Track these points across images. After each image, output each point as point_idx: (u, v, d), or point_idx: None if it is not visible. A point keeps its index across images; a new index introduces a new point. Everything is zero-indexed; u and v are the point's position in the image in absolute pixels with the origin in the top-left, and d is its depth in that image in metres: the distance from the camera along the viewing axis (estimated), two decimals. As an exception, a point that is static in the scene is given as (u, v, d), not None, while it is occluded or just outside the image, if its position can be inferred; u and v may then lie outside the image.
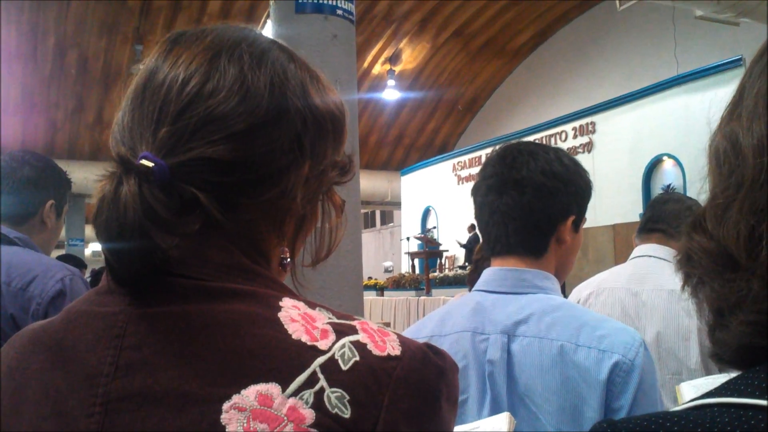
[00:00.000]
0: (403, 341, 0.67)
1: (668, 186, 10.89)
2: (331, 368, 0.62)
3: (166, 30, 15.63)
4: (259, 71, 0.72)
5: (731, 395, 0.50)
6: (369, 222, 25.94)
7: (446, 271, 14.40)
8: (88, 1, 14.54)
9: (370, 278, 15.69)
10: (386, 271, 19.25)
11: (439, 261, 14.90)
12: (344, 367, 0.62)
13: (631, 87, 12.60)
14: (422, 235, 14.66)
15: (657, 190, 11.22)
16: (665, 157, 11.23)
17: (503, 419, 1.16)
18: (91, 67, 16.52)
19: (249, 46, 0.74)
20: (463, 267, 13.78)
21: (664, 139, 11.00)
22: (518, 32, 18.28)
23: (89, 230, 19.98)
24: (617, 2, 11.25)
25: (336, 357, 0.63)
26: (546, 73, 18.31)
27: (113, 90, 17.18)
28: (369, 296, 13.21)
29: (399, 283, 14.34)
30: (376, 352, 0.64)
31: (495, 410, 1.31)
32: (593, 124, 12.91)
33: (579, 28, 17.54)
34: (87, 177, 16.65)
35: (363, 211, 23.13)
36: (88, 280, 4.78)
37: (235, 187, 0.70)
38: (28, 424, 0.66)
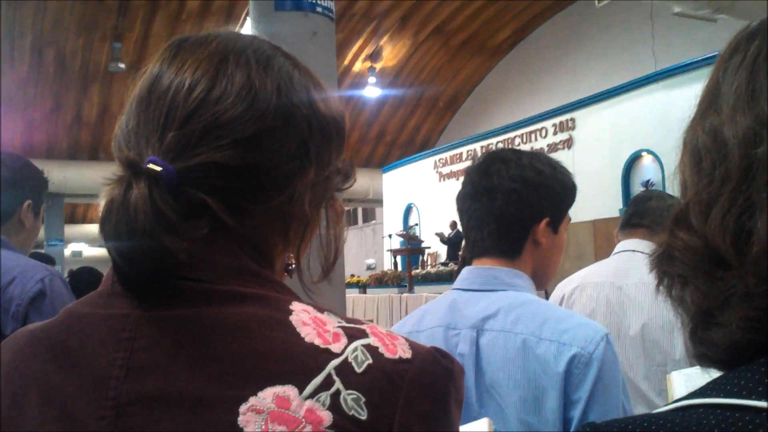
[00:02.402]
0: (412, 345, 0.68)
1: (647, 182, 10.96)
2: (345, 371, 0.63)
3: (144, 28, 15.55)
4: (266, 77, 0.73)
5: (717, 395, 0.49)
6: (351, 219, 25.92)
7: (428, 267, 14.41)
8: (66, 0, 14.40)
9: (352, 276, 15.68)
10: (369, 268, 19.26)
11: (421, 258, 14.91)
12: (358, 370, 0.63)
13: (610, 83, 12.67)
14: (404, 233, 14.68)
15: (636, 186, 11.30)
16: (644, 153, 11.31)
17: (483, 424, 1.19)
18: (69, 66, 16.37)
19: (255, 52, 0.75)
20: (445, 264, 13.80)
21: (643, 135, 11.07)
22: (498, 29, 18.33)
23: (69, 230, 19.83)
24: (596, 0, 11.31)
25: (349, 360, 0.64)
26: (526, 70, 18.37)
27: (92, 89, 17.04)
28: (351, 294, 13.20)
29: (381, 281, 14.35)
30: (387, 355, 0.65)
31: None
32: (573, 120, 12.97)
33: (558, 25, 17.62)
34: (65, 176, 16.54)
35: (345, 208, 23.05)
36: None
37: (242, 192, 0.70)
38: (33, 428, 0.65)
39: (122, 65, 15.46)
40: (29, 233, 2.17)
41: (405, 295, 11.89)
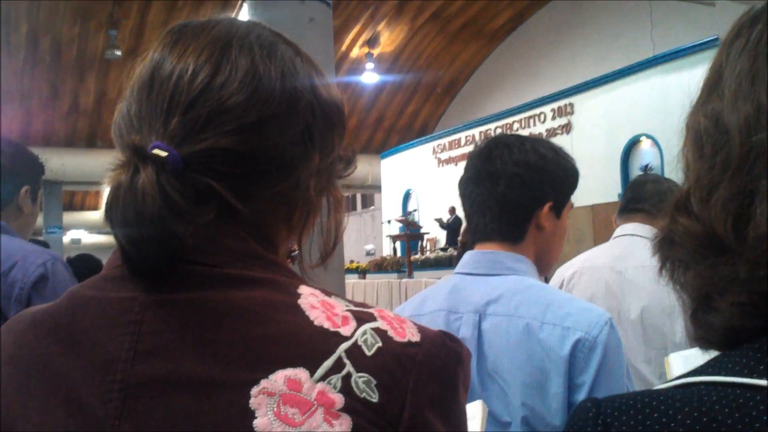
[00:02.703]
0: (421, 328, 0.68)
1: (646, 166, 10.96)
2: (355, 354, 0.63)
3: (140, 15, 15.48)
4: (270, 63, 0.73)
5: (718, 374, 0.50)
6: (350, 205, 25.92)
7: (428, 253, 14.43)
8: (61, -13, 14.33)
9: (351, 262, 15.69)
10: (368, 254, 19.28)
11: (420, 243, 14.92)
12: (368, 353, 0.63)
13: (608, 68, 12.64)
14: (403, 218, 14.68)
15: (635, 170, 11.30)
16: (643, 137, 11.30)
17: (476, 406, 1.19)
18: (65, 54, 16.30)
19: (257, 39, 0.75)
20: (444, 249, 13.81)
21: (642, 120, 11.05)
22: (496, 14, 18.24)
23: (67, 218, 19.81)
24: (594, -17, 11.26)
25: (359, 343, 0.64)
26: (524, 55, 18.31)
27: (88, 76, 16.97)
28: (351, 279, 13.22)
29: (381, 266, 14.37)
30: (397, 338, 0.65)
31: None
32: (571, 105, 12.95)
33: (556, 9, 17.54)
34: (64, 164, 16.51)
35: (344, 194, 23.04)
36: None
37: (247, 177, 0.70)
38: (37, 411, 0.65)
39: (118, 53, 15.39)
40: (28, 219, 2.17)
41: (404, 280, 11.91)
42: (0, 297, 1.86)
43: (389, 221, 15.30)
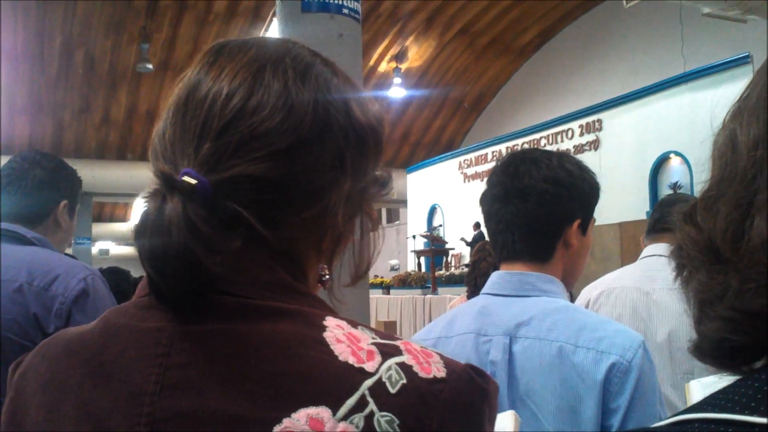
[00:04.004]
0: (447, 362, 0.67)
1: (675, 184, 10.86)
2: (379, 391, 0.62)
3: (172, 29, 15.69)
4: (303, 87, 0.71)
5: (712, 410, 0.49)
6: (375, 220, 25.90)
7: (452, 269, 14.37)
8: (95, 1, 14.56)
9: (376, 276, 15.68)
10: (392, 269, 19.25)
11: (445, 259, 14.88)
12: (392, 390, 0.62)
13: (637, 84, 12.55)
14: (428, 233, 14.66)
15: (664, 188, 11.19)
16: (672, 155, 11.19)
17: (508, 417, 1.17)
18: (98, 67, 16.56)
19: (293, 60, 0.74)
20: (467, 264, 13.75)
21: (671, 137, 10.95)
22: (524, 30, 18.23)
23: (96, 229, 20.05)
24: (624, 0, 11.21)
25: (383, 380, 0.63)
26: (552, 71, 18.25)
27: (120, 89, 17.22)
28: (375, 295, 13.19)
29: (405, 282, 14.33)
30: (422, 374, 0.64)
31: None
32: (600, 121, 12.87)
33: (585, 25, 17.48)
34: (94, 176, 16.73)
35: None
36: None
37: (276, 204, 0.69)
38: None
39: (150, 66, 15.60)
40: (65, 233, 2.19)
41: (429, 296, 11.87)
42: (40, 310, 1.88)
43: (414, 236, 15.27)
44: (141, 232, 0.64)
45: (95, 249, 23.41)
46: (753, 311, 0.49)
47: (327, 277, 0.80)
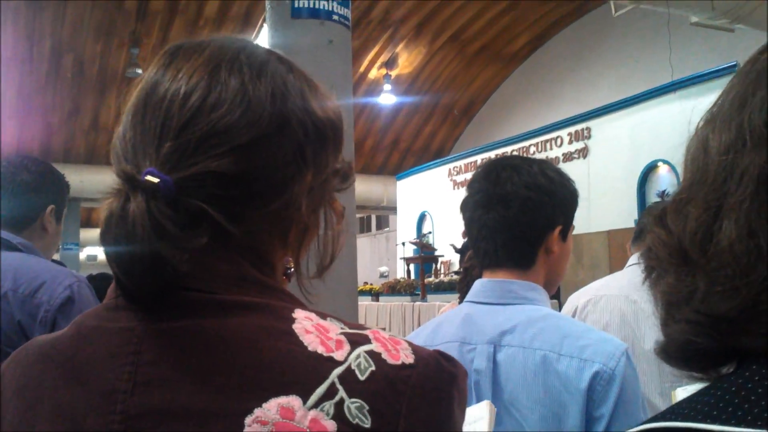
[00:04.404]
0: (415, 349, 0.68)
1: (663, 192, 10.88)
2: (348, 379, 0.63)
3: (162, 33, 15.66)
4: (259, 83, 0.73)
5: (676, 419, 0.49)
6: (364, 227, 25.92)
7: (442, 276, 14.36)
8: (85, 5, 14.52)
9: (365, 283, 15.66)
10: (382, 276, 19.22)
11: (434, 266, 14.87)
12: (361, 377, 0.63)
13: (626, 92, 12.61)
14: (418, 240, 14.65)
15: (652, 196, 11.22)
16: (660, 163, 11.23)
17: (483, 407, 1.18)
18: (87, 71, 16.49)
19: (248, 58, 0.75)
20: (458, 272, 13.74)
21: (660, 145, 11.00)
22: (514, 37, 18.29)
23: (84, 234, 19.92)
24: (612, 8, 11.27)
25: (353, 367, 0.64)
26: (542, 79, 18.32)
27: (109, 94, 17.15)
28: (364, 302, 13.18)
29: (394, 289, 14.32)
30: (390, 361, 0.65)
31: None
32: (588, 129, 12.92)
33: (575, 33, 17.56)
34: (83, 180, 16.63)
35: (358, 215, 23.10)
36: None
37: (240, 199, 0.70)
38: None
39: (140, 71, 15.52)
40: (51, 238, 2.17)
41: (418, 303, 11.86)
42: (24, 318, 1.86)
43: (404, 243, 15.27)
44: (106, 232, 0.65)
45: (83, 254, 23.28)
46: (719, 314, 0.50)
47: (292, 270, 0.81)
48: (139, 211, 0.63)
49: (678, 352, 0.54)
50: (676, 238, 0.54)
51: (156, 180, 0.65)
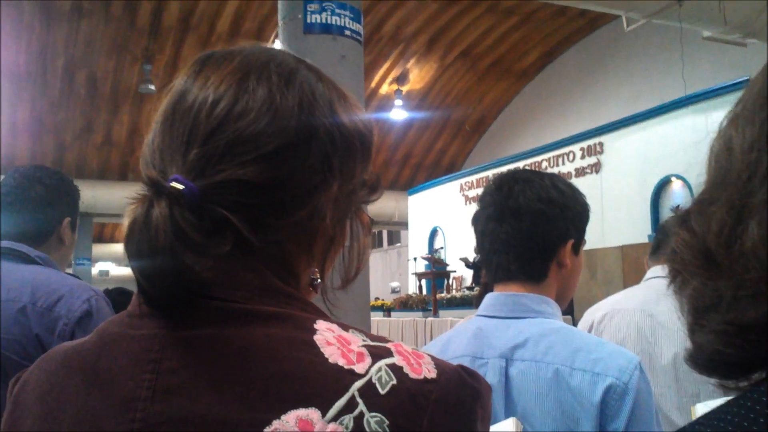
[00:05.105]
0: (438, 363, 0.67)
1: (677, 207, 10.83)
2: (369, 392, 0.62)
3: (175, 50, 15.80)
4: (287, 91, 0.72)
5: (705, 430, 0.48)
6: (376, 242, 25.94)
7: (453, 292, 14.33)
8: (98, 22, 14.67)
9: (377, 299, 15.63)
10: (393, 291, 19.23)
11: (446, 282, 14.83)
12: (382, 391, 0.62)
13: (638, 108, 12.60)
14: (429, 256, 14.62)
15: (665, 211, 11.18)
16: (673, 178, 11.20)
17: (509, 424, 1.17)
18: (100, 88, 16.66)
19: (277, 67, 0.74)
20: (470, 288, 13.70)
21: (673, 160, 10.97)
22: (525, 53, 18.35)
23: (96, 249, 20.04)
24: (624, 23, 11.28)
25: (373, 381, 0.63)
26: (553, 94, 18.34)
27: (122, 110, 17.31)
28: (376, 317, 13.15)
29: (406, 304, 14.27)
30: (412, 375, 0.64)
31: None
32: (601, 144, 12.90)
33: (586, 48, 17.59)
34: (95, 196, 16.77)
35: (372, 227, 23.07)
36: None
37: (264, 207, 0.70)
38: None
39: (152, 87, 15.68)
40: (68, 249, 2.18)
41: (430, 319, 11.82)
42: (42, 331, 1.86)
43: (415, 258, 15.24)
44: (129, 237, 0.64)
45: (95, 270, 23.40)
46: (745, 324, 0.48)
47: (318, 281, 0.80)
48: (162, 218, 0.63)
49: (707, 362, 0.52)
50: (701, 239, 0.53)
51: (181, 187, 0.65)
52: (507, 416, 1.33)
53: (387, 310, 14.30)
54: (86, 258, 18.32)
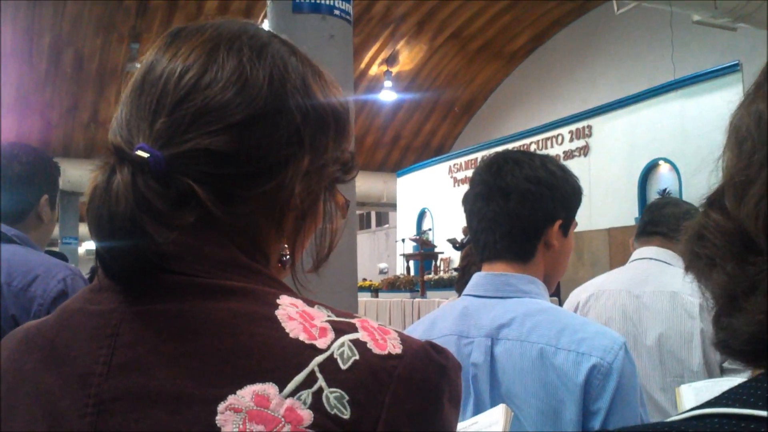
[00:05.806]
0: (404, 339, 0.65)
1: (664, 190, 10.89)
2: (329, 368, 0.61)
3: (162, 29, 15.58)
4: (258, 63, 0.72)
5: (733, 405, 0.47)
6: (364, 223, 25.92)
7: (441, 273, 14.37)
8: (85, 0, 14.50)
9: (364, 280, 15.65)
10: (381, 272, 19.22)
11: (434, 263, 14.87)
12: (343, 367, 0.61)
13: (627, 91, 12.59)
14: (417, 237, 14.64)
15: (653, 195, 11.22)
16: (661, 162, 11.23)
17: (500, 411, 1.18)
18: (87, 66, 16.47)
19: (249, 39, 0.74)
20: (458, 269, 13.73)
21: (661, 144, 11.00)
22: (516, 35, 18.27)
23: (83, 229, 19.90)
24: (615, 6, 11.26)
25: (335, 356, 0.62)
26: (543, 76, 18.30)
27: (109, 89, 17.14)
28: (363, 298, 13.18)
29: (394, 285, 14.31)
30: (376, 350, 0.63)
31: (478, 412, 1.33)
32: (590, 127, 12.90)
33: (576, 31, 17.54)
34: (82, 175, 16.61)
35: (358, 212, 23.10)
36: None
37: (232, 179, 0.69)
38: (22, 425, 0.65)
39: (139, 66, 15.52)
40: (47, 227, 2.16)
41: (417, 300, 11.86)
42: (18, 312, 1.85)
43: (403, 240, 15.27)
44: (89, 205, 0.63)
45: (82, 249, 23.28)
46: None
47: (287, 257, 0.79)
48: (124, 185, 0.62)
49: (745, 346, 0.51)
50: (737, 223, 0.51)
51: (146, 155, 0.64)
52: (492, 394, 1.34)
53: (375, 290, 14.34)
54: (73, 237, 18.21)
